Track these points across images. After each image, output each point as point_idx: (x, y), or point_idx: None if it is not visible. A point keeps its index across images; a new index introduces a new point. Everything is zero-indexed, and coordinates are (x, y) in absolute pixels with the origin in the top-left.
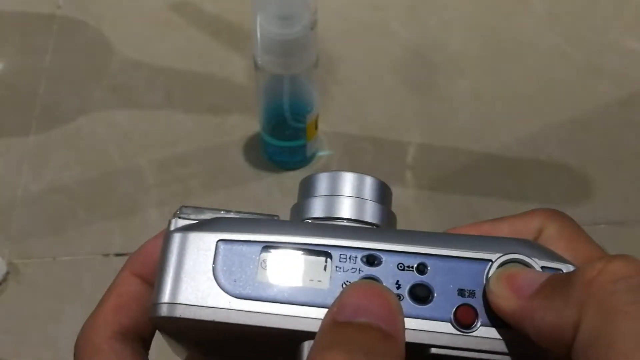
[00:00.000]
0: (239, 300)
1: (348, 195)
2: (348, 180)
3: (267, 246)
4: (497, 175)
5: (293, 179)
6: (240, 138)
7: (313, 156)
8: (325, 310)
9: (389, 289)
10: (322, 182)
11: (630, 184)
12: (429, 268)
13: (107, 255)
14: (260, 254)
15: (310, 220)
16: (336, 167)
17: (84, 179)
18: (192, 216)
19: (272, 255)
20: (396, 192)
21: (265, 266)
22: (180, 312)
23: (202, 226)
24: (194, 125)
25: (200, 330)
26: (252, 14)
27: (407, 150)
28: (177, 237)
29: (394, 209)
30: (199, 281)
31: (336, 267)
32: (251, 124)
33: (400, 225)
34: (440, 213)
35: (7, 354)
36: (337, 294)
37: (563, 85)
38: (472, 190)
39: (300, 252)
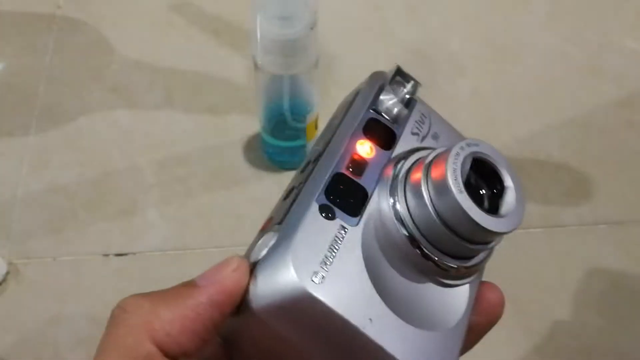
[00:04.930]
0: None
1: None
2: None
3: None
4: None
5: None
6: (240, 138)
7: None
8: None
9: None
10: None
11: (630, 184)
12: None
13: (107, 255)
14: None
15: None
16: None
17: (84, 179)
18: None
19: None
20: None
21: None
22: None
23: None
24: (194, 125)
25: None
26: (252, 14)
27: None
28: None
29: None
30: None
31: None
32: (251, 124)
33: None
34: None
35: (7, 354)
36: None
37: (563, 85)
38: None
39: None
